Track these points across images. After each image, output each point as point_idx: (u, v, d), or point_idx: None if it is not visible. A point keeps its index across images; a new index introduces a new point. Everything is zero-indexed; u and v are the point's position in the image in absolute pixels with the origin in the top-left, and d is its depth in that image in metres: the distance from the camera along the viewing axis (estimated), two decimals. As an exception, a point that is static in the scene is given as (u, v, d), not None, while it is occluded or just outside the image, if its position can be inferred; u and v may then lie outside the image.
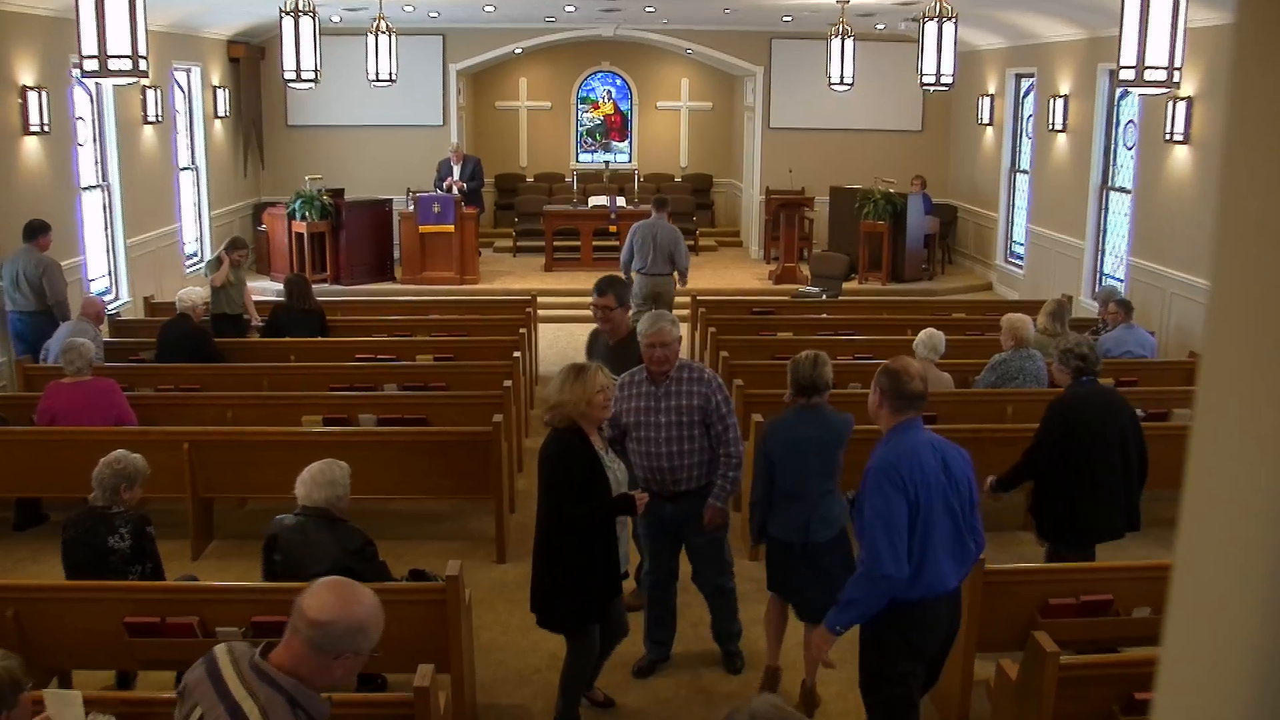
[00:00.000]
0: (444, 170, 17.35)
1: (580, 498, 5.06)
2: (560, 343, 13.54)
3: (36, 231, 10.45)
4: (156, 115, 14.35)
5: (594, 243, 18.02)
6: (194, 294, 9.89)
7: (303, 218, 16.09)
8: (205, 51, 16.56)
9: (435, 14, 17.14)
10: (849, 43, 14.92)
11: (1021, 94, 17.12)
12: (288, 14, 11.27)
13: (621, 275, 6.24)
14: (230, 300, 11.13)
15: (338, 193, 17.11)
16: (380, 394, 9.07)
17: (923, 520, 4.38)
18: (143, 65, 5.99)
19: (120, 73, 6.03)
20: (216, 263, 11.11)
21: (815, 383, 5.69)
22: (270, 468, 7.47)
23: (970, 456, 4.67)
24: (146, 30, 5.94)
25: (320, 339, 10.67)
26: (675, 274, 11.92)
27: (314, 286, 15.62)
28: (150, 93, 14.15)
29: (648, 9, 16.45)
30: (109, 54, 5.81)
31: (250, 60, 18.17)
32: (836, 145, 19.42)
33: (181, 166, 15.90)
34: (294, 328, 10.60)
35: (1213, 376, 0.77)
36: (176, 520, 7.74)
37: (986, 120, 17.92)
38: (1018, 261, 16.88)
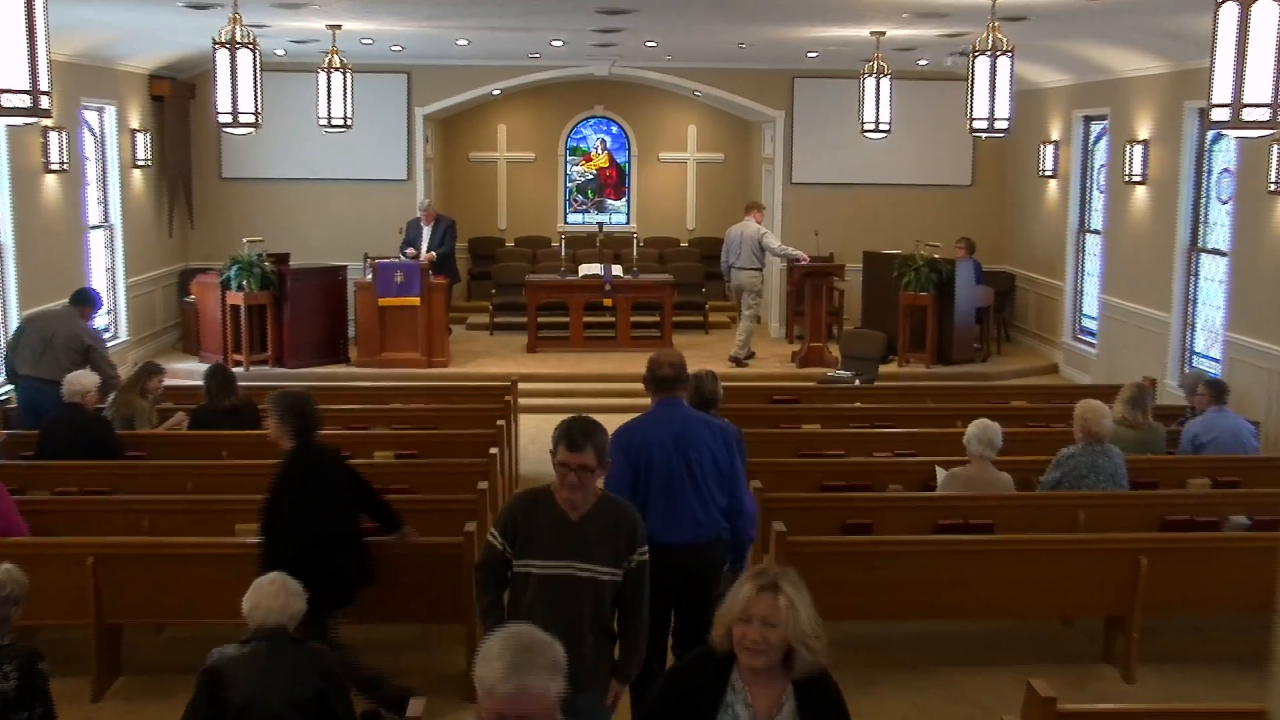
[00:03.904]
0: (412, 233, 17.34)
1: None
2: (545, 437, 13.33)
3: (84, 301, 11.55)
4: (61, 162, 14.35)
5: (585, 319, 17.98)
6: (84, 379, 9.81)
7: (239, 288, 16.08)
8: (122, 87, 16.67)
9: (398, 48, 17.29)
10: (885, 82, 14.99)
11: (1092, 140, 17.21)
12: (222, 45, 11.28)
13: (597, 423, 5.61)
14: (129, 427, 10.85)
15: (281, 258, 17.10)
16: (328, 498, 8.95)
17: (643, 479, 6.48)
18: (44, 102, 5.93)
19: (15, 110, 5.97)
20: (137, 390, 10.80)
21: (715, 396, 7.80)
22: (195, 586, 7.34)
23: (729, 433, 6.81)
24: (49, 60, 5.90)
25: (258, 432, 10.54)
26: (762, 269, 17.12)
27: (253, 369, 15.87)
28: (53, 135, 14.15)
29: (648, 44, 16.59)
30: (0, 87, 5.76)
31: (177, 99, 18.30)
32: (871, 203, 19.49)
33: (92, 225, 15.93)
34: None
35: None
36: (74, 652, 7.58)
37: (1049, 171, 17.99)
38: (1089, 339, 16.86)
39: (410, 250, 17.02)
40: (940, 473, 8.90)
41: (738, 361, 16.89)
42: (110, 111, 16.38)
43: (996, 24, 11.65)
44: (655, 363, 6.85)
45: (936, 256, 16.95)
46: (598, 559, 5.34)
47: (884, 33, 14.51)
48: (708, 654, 4.14)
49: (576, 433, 5.37)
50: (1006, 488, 8.53)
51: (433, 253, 16.99)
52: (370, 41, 16.26)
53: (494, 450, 10.00)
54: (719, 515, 6.66)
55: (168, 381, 13.92)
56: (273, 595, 5.37)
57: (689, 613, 6.60)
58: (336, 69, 14.81)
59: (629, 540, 5.44)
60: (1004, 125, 12.01)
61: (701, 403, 7.57)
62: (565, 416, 5.67)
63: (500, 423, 11.07)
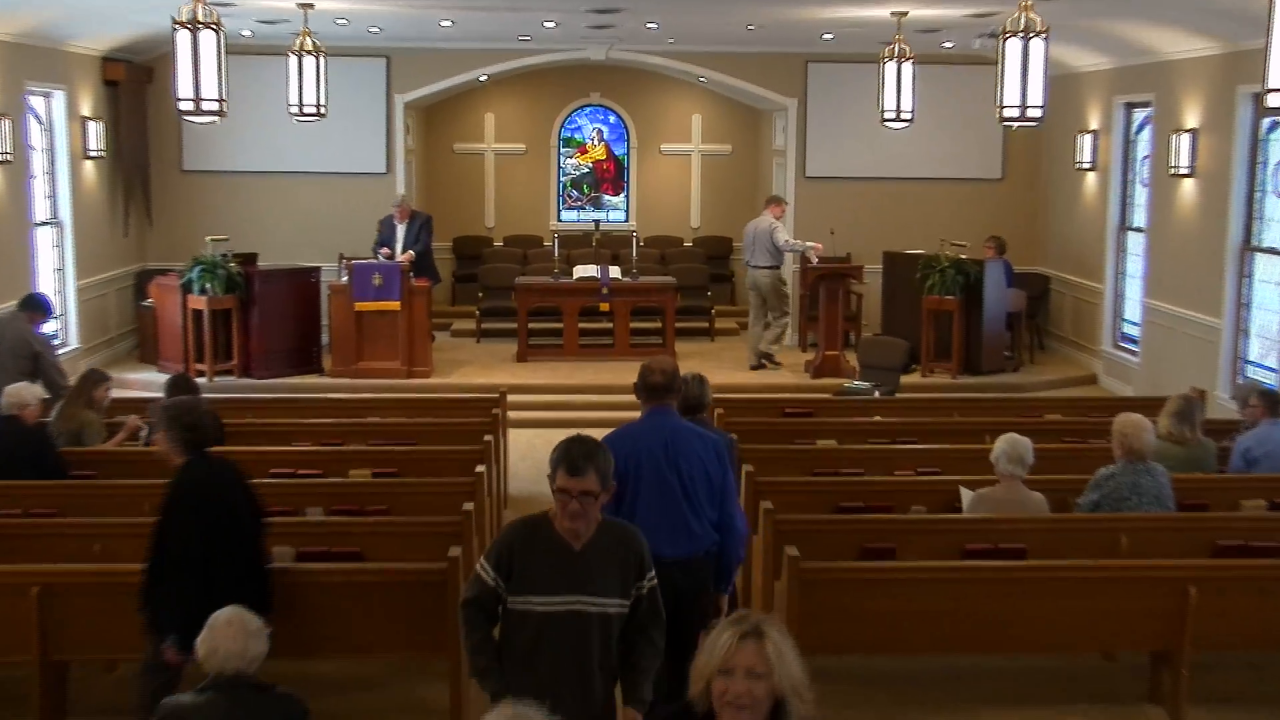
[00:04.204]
0: (386, 231, 17.35)
1: None
2: (536, 454, 13.39)
3: (34, 306, 11.75)
4: (4, 153, 14.33)
5: (580, 325, 18.00)
6: (24, 392, 9.74)
7: (202, 291, 16.04)
8: (73, 71, 16.64)
9: (376, 30, 17.27)
10: (907, 67, 14.98)
11: (1134, 128, 17.20)
12: (183, 25, 11.20)
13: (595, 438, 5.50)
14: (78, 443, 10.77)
15: (249, 259, 17.12)
16: (301, 520, 8.93)
17: (631, 490, 6.83)
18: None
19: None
20: (83, 401, 10.73)
21: (702, 401, 8.19)
22: (150, 619, 7.28)
23: (720, 444, 7.18)
24: (-9, 42, 5.88)
25: (223, 449, 10.50)
26: (778, 267, 17.46)
27: (218, 380, 15.83)
28: (-4, 123, 14.17)
29: (649, 24, 16.58)
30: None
31: (134, 84, 18.28)
32: (891, 199, 19.46)
33: (39, 221, 15.92)
34: None
35: None
36: (13, 692, 7.52)
37: (1087, 163, 17.96)
38: (1131, 347, 16.83)
39: (385, 250, 17.00)
40: (966, 493, 8.86)
41: (769, 359, 17.43)
42: (59, 97, 16.34)
43: (1029, 2, 11.62)
44: (647, 370, 7.24)
45: (963, 257, 16.91)
46: (606, 591, 5.27)
47: (906, 12, 14.49)
48: (683, 712, 3.96)
49: (577, 455, 5.23)
50: (1040, 510, 8.49)
51: (411, 252, 16.97)
52: (345, 22, 16.23)
53: (481, 468, 9.95)
54: (710, 529, 7.03)
55: (123, 393, 13.92)
56: (231, 638, 5.28)
57: (680, 634, 6.49)
58: (308, 52, 14.79)
59: (638, 566, 5.39)
60: (1037, 113, 11.99)
61: (686, 408, 7.92)
62: (558, 431, 5.63)
63: (487, 438, 11.02)
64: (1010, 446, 8.33)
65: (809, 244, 17.24)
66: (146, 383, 15.73)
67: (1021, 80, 11.77)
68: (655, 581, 5.47)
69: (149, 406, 7.36)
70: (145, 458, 10.24)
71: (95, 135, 17.16)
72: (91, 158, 17.18)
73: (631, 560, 5.38)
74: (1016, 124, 12.25)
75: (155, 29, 15.82)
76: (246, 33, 16.92)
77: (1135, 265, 16.94)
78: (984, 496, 8.57)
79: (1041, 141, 19.17)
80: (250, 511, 7.14)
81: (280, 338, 16.71)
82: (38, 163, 16.01)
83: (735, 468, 8.06)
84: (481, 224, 22.67)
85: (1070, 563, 7.91)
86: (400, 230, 17.29)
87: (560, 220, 22.98)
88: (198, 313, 16.14)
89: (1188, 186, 15.06)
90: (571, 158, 23.25)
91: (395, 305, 16.35)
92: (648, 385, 7.17)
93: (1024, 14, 11.62)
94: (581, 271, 18.59)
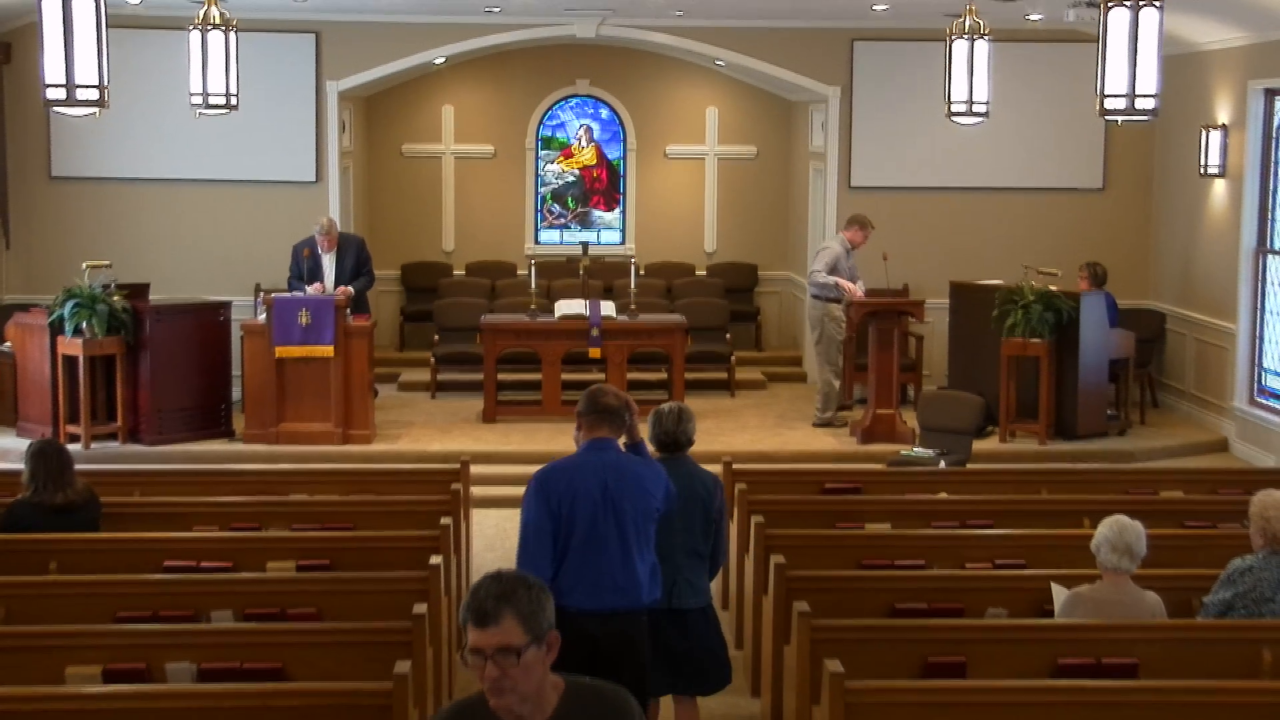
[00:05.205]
0: (306, 260, 17.15)
1: None
2: (508, 541, 13.37)
3: None
4: None
5: (563, 376, 18.02)
6: None
7: (76, 332, 16.00)
8: (-96, 50, 16.68)
9: (303, -1, 17.37)
10: (982, 45, 15.00)
11: (1276, 123, 17.21)
12: (51, -10, 11.28)
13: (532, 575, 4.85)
14: None
15: (138, 291, 17.10)
16: (204, 628, 8.91)
17: (564, 533, 7.69)
18: None
19: None
20: None
21: (678, 438, 8.94)
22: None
23: (665, 480, 8.14)
24: None
25: (103, 536, 10.51)
26: (833, 300, 17.58)
27: (97, 446, 15.79)
28: None
29: (652, -8, 16.69)
30: None
31: (-16, 66, 18.36)
32: (960, 215, 19.53)
33: None
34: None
35: None
36: None
37: (1215, 168, 17.96)
38: (1273, 404, 16.84)
39: (318, 286, 16.89)
40: (1059, 593, 8.86)
41: (828, 424, 17.82)
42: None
43: (1138, -38, 11.68)
44: (600, 390, 8.21)
45: (1053, 289, 16.91)
46: None
47: (980, -22, 14.60)
48: None
49: (485, 597, 4.55)
50: (1155, 614, 8.48)
51: (349, 286, 16.90)
52: (264, -12, 16.34)
53: (436, 559, 9.91)
54: (646, 580, 7.92)
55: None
56: None
57: None
58: (215, 26, 14.79)
59: None
60: (1149, 104, 12.01)
61: (661, 445, 8.99)
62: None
63: (445, 521, 11.00)
64: (1117, 533, 8.32)
65: (835, 280, 17.31)
66: (3, 451, 15.71)
67: (1130, 62, 11.80)
68: None
69: None
70: (3, 549, 10.25)
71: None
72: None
73: None
74: (1122, 118, 12.29)
75: (14, -4, 15.91)
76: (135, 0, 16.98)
77: (1279, 299, 16.99)
78: (1082, 597, 8.56)
79: (1155, 140, 19.24)
80: None
81: (179, 393, 16.69)
82: None
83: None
84: (438, 247, 22.68)
85: (1195, 683, 7.85)
86: (328, 262, 17.25)
87: (538, 243, 23.03)
88: (70, 360, 16.09)
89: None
90: (553, 163, 23.32)
91: (328, 351, 16.31)
92: (598, 406, 7.98)
93: (1131, -23, 11.68)
94: (565, 308, 18.57)
